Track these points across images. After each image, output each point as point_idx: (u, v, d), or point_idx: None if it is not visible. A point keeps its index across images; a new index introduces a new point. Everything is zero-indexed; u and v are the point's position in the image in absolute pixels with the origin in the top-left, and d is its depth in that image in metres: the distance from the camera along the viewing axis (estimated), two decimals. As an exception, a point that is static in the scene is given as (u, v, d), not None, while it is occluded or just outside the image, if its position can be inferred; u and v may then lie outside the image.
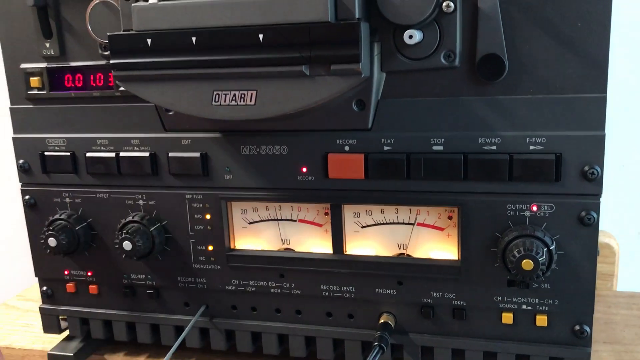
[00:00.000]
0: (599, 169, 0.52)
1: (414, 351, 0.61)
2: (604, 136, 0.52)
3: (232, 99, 0.53)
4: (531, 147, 0.53)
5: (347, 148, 0.58)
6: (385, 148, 0.57)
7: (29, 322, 0.80)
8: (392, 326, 0.60)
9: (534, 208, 0.55)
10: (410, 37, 0.51)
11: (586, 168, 0.53)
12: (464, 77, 0.54)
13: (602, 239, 0.94)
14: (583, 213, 0.54)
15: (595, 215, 0.53)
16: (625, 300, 0.78)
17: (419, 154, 0.56)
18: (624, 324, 0.72)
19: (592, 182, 0.53)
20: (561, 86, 0.52)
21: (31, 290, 0.89)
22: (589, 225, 0.54)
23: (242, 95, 0.53)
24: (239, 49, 0.52)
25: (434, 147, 0.56)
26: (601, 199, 0.53)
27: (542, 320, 0.57)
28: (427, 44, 0.53)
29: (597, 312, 0.75)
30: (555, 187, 0.54)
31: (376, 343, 0.58)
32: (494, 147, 0.54)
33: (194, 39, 0.52)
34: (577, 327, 0.57)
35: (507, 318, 0.58)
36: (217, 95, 0.53)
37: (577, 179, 0.53)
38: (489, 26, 0.52)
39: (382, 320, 0.61)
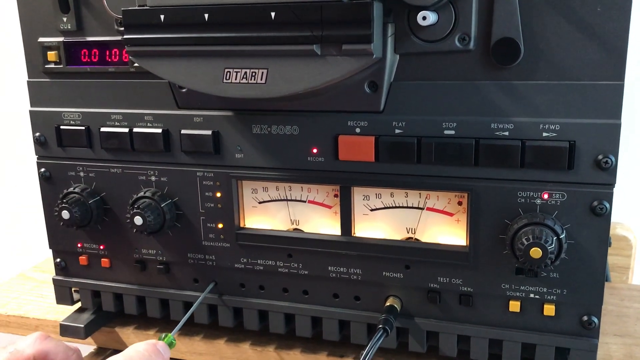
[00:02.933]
0: (613, 158, 0.51)
1: (419, 336, 0.61)
2: (619, 125, 0.51)
3: (243, 77, 0.53)
4: (544, 134, 0.52)
5: (358, 130, 0.58)
6: (397, 131, 0.56)
7: (43, 293, 0.81)
8: (398, 310, 0.60)
9: (545, 196, 0.54)
10: (424, 18, 0.51)
11: (600, 157, 0.52)
12: (478, 61, 0.53)
13: (620, 231, 0.93)
14: (595, 203, 0.53)
15: (607, 205, 0.52)
16: (640, 293, 0.77)
17: (430, 137, 0.55)
18: (637, 317, 0.71)
19: (606, 171, 0.52)
20: (577, 73, 0.51)
21: (48, 262, 0.91)
22: (601, 215, 0.53)
23: (253, 74, 0.53)
24: (250, 26, 0.51)
25: (446, 132, 0.55)
26: (622, 192, 0.52)
27: (549, 310, 0.56)
28: (441, 26, 0.52)
29: (610, 304, 0.74)
30: (567, 175, 0.53)
31: (381, 326, 0.58)
32: (507, 133, 0.53)
33: (206, 15, 0.52)
34: (585, 318, 0.56)
35: (515, 306, 0.57)
36: (228, 73, 0.53)
37: (590, 167, 0.52)
38: (506, 9, 0.51)
39: (388, 304, 0.60)
